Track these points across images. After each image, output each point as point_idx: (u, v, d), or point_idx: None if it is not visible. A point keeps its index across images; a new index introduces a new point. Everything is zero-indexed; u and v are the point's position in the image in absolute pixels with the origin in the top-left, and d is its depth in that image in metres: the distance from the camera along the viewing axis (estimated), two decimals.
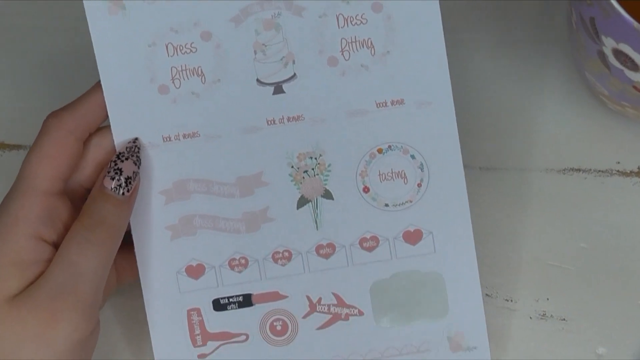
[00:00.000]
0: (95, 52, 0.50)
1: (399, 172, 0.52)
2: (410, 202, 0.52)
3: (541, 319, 0.57)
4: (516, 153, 0.59)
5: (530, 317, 0.57)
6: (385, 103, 0.51)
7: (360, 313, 0.53)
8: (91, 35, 0.50)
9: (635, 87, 0.51)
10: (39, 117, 0.51)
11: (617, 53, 0.49)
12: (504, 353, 0.57)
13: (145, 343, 0.56)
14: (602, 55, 0.51)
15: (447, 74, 0.51)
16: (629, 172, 0.59)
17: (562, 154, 0.59)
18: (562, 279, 0.58)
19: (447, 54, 0.53)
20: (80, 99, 0.51)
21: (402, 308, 0.53)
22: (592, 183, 0.58)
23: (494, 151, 0.59)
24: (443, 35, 0.51)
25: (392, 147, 0.52)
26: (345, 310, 0.53)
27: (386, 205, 0.52)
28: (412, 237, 0.52)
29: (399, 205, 0.52)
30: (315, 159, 0.52)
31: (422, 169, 0.52)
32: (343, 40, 0.51)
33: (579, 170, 0.59)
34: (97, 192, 0.50)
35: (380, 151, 0.52)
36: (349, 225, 0.52)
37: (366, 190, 0.52)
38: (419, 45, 0.51)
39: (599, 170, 0.59)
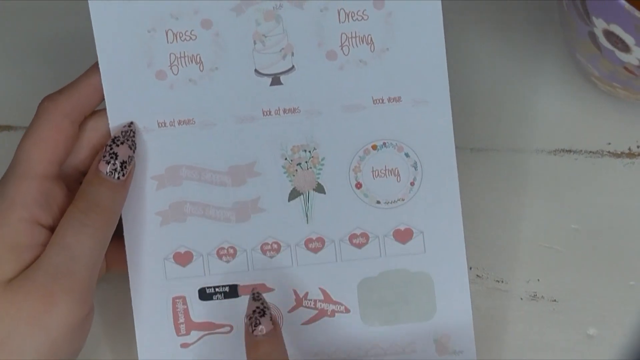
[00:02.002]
0: (94, 35, 0.50)
1: (392, 169, 0.52)
2: (403, 200, 0.52)
3: (532, 300, 0.57)
4: (507, 134, 0.58)
5: (521, 298, 0.57)
6: (382, 100, 0.51)
7: (347, 310, 0.53)
8: (91, 18, 0.50)
9: (626, 68, 0.51)
10: (35, 99, 0.51)
11: (608, 34, 0.49)
12: (494, 334, 0.56)
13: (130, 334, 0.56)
14: (592, 37, 0.50)
15: (445, 74, 0.51)
16: (619, 153, 0.58)
17: (553, 135, 0.58)
18: (553, 260, 0.57)
19: None
20: (75, 82, 0.51)
21: (389, 307, 0.52)
22: (583, 164, 0.58)
23: (485, 132, 0.59)
24: (443, 35, 0.51)
25: (387, 144, 0.52)
26: (332, 307, 0.53)
27: (378, 202, 0.52)
28: (403, 235, 0.52)
29: (391, 203, 0.52)
30: (309, 152, 0.52)
31: (415, 168, 0.52)
32: (343, 35, 0.51)
33: (570, 151, 0.58)
34: (92, 176, 0.50)
35: (374, 147, 0.52)
36: (340, 221, 0.52)
37: (359, 186, 0.52)
38: (418, 43, 0.51)
39: (590, 152, 0.58)
